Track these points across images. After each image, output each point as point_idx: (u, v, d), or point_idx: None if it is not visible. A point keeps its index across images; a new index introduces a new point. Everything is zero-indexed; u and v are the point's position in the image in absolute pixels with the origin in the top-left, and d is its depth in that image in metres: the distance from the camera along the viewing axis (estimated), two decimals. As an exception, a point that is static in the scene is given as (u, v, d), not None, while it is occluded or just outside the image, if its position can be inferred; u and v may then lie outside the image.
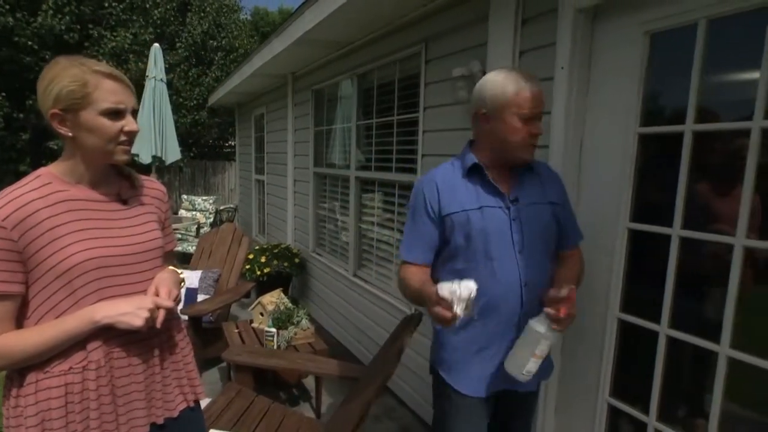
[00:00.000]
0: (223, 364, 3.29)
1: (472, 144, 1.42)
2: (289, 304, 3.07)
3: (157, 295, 1.11)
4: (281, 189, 5.32)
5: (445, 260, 1.40)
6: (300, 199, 4.79)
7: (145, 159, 5.54)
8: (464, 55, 2.22)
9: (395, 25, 2.78)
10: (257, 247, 4.79)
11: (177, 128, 6.27)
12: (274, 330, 2.74)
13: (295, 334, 2.82)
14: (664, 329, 1.47)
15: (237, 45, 12.62)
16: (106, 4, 10.18)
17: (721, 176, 1.39)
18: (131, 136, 1.07)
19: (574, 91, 1.67)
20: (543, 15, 1.77)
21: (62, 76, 0.99)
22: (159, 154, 5.56)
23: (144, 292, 1.12)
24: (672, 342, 1.46)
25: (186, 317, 3.05)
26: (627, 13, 1.54)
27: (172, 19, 11.39)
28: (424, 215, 1.38)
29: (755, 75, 1.21)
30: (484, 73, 2.04)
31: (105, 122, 1.02)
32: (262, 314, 3.17)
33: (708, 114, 1.35)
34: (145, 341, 1.12)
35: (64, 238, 1.01)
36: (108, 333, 1.05)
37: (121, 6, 10.33)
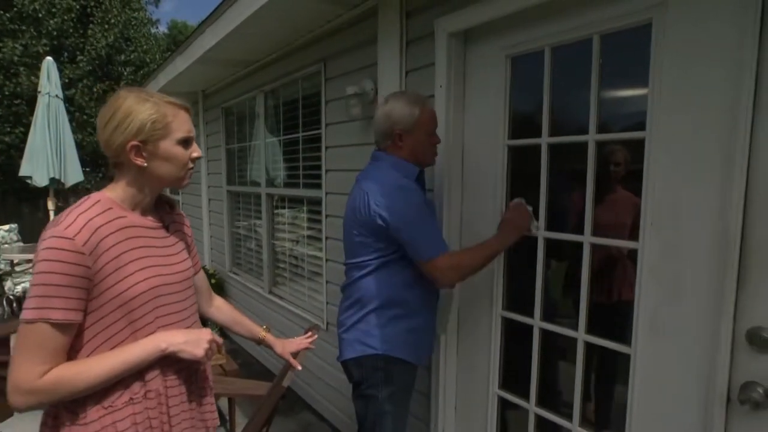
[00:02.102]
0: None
1: (390, 154, 1.60)
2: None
3: None
4: (196, 209, 5.13)
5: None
6: (215, 219, 4.65)
7: (41, 181, 5.10)
8: (359, 74, 2.32)
9: (297, 45, 2.83)
10: (170, 271, 4.56)
11: (83, 147, 5.85)
12: (181, 355, 2.62)
13: (205, 357, 2.72)
14: (537, 323, 1.63)
15: (148, 60, 12.04)
16: (-10, 12, 9.32)
17: (571, 182, 1.58)
18: (196, 161, 1.13)
19: (452, 107, 1.81)
20: (423, 38, 1.91)
21: (139, 109, 1.01)
22: (57, 176, 5.14)
23: (188, 318, 1.14)
24: (544, 333, 1.62)
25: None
26: (490, 38, 1.70)
27: (71, 30, 10.62)
28: (429, 211, 1.55)
29: (588, 94, 1.40)
30: (377, 92, 2.16)
31: (180, 150, 1.07)
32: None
33: (557, 128, 1.53)
34: (189, 368, 1.12)
35: (127, 266, 1.00)
36: (163, 362, 1.05)
37: (8, 14, 9.48)
